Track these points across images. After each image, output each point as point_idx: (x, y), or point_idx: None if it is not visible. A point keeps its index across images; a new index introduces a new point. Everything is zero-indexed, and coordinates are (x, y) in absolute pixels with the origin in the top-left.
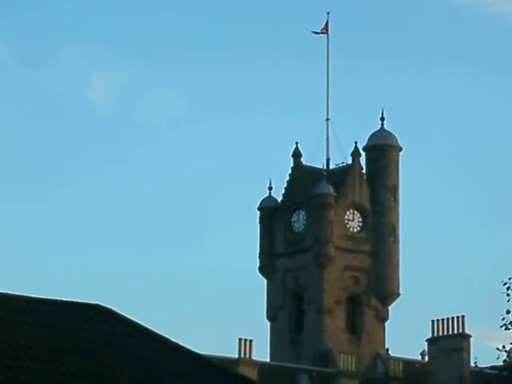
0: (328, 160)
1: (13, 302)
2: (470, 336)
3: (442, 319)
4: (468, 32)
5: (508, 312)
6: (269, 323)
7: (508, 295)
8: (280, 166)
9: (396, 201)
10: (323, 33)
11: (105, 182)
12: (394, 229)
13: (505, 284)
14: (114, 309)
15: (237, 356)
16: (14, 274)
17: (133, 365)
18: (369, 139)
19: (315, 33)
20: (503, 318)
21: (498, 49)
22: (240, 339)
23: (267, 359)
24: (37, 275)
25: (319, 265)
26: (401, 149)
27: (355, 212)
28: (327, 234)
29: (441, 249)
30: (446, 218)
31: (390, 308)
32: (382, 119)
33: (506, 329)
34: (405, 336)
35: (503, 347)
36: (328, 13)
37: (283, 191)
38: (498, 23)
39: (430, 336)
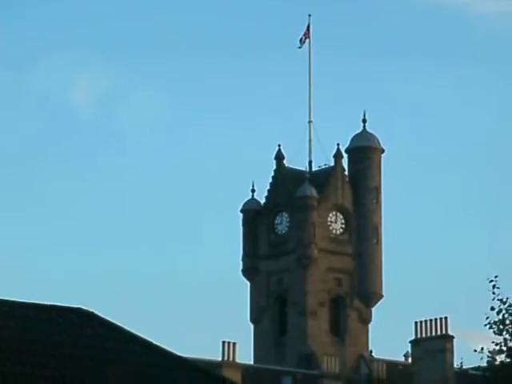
0: (310, 162)
1: None
2: (453, 337)
3: (426, 320)
4: (450, 32)
5: (492, 309)
6: (252, 326)
7: (493, 293)
8: (263, 168)
9: (378, 202)
10: (306, 38)
11: (87, 185)
12: (376, 230)
13: (490, 281)
14: (96, 312)
15: (220, 359)
16: None
17: (116, 368)
18: (351, 141)
19: (301, 40)
20: (487, 317)
21: (482, 49)
22: (223, 342)
23: (251, 362)
24: (19, 279)
25: (302, 267)
26: (383, 150)
27: (338, 214)
28: (310, 236)
29: (423, 250)
30: (429, 219)
31: (373, 310)
32: (364, 121)
33: (490, 327)
34: (388, 338)
35: (482, 349)
36: (309, 15)
37: (266, 193)
38: (481, 23)
39: (413, 337)
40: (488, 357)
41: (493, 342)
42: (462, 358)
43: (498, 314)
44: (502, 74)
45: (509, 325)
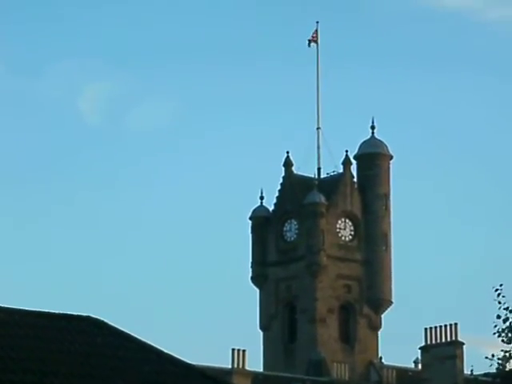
0: (319, 169)
1: (5, 315)
2: (463, 343)
3: (435, 327)
4: (458, 39)
5: (498, 317)
6: (262, 333)
7: (499, 302)
8: (271, 175)
9: (387, 209)
10: (314, 40)
11: (96, 192)
12: (385, 237)
13: (496, 290)
14: (106, 320)
15: (230, 366)
16: (5, 287)
17: (126, 377)
18: (359, 148)
19: (310, 41)
20: (495, 326)
21: (490, 56)
22: (233, 349)
23: (260, 369)
24: (28, 288)
25: (311, 274)
26: (392, 157)
27: (347, 221)
28: (319, 243)
29: (433, 256)
30: (438, 225)
31: (382, 316)
32: (373, 128)
33: (499, 336)
34: (398, 344)
35: (492, 356)
36: (317, 22)
37: (275, 200)
38: (489, 30)
39: (423, 344)
40: (498, 364)
41: (502, 350)
42: (472, 365)
43: (504, 322)
44: (510, 80)
45: None
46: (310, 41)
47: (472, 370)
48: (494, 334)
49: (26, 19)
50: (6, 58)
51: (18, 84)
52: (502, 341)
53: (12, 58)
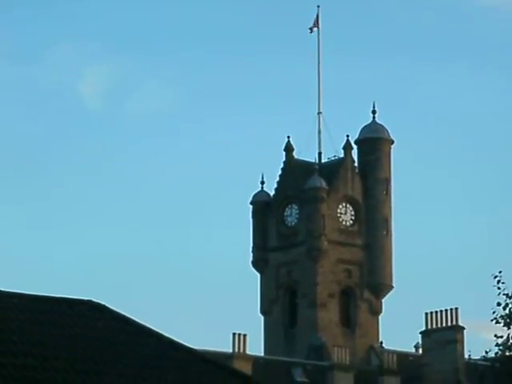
0: (320, 154)
1: (5, 299)
2: (463, 328)
3: (436, 311)
4: (460, 25)
5: (498, 304)
6: (262, 317)
7: (499, 288)
8: (272, 160)
9: (388, 194)
10: (315, 27)
11: (96, 176)
12: (386, 222)
13: (495, 277)
14: (107, 305)
15: (231, 351)
16: (5, 271)
17: (126, 360)
18: (360, 132)
19: (311, 29)
20: (494, 312)
21: (491, 42)
22: (234, 334)
23: (261, 353)
24: (29, 272)
25: (312, 258)
26: (393, 142)
27: (347, 205)
28: (320, 228)
29: (433, 241)
30: (439, 210)
31: (383, 301)
32: (374, 112)
33: (497, 322)
34: (399, 329)
35: (495, 336)
36: (318, 6)
37: (275, 185)
38: (489, 16)
39: (423, 328)
40: (499, 349)
41: (500, 337)
42: (469, 350)
43: (504, 308)
44: None
45: None
46: (311, 28)
47: (470, 355)
48: (492, 320)
49: (22, 3)
50: (3, 43)
51: (18, 69)
52: (505, 323)
53: (10, 44)
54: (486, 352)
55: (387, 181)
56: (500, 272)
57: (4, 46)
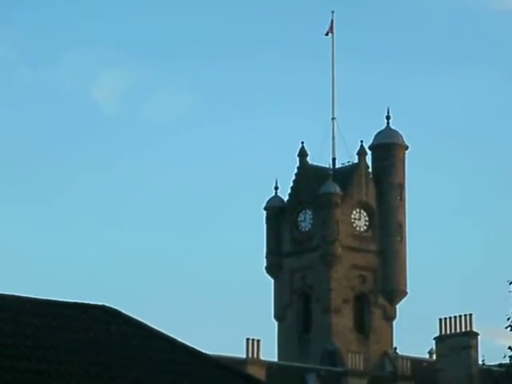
0: (334, 159)
1: (19, 304)
2: (477, 334)
3: (450, 317)
4: (475, 31)
5: None
6: (276, 323)
7: None
8: (286, 165)
9: (402, 199)
10: (330, 32)
11: (110, 181)
12: (400, 227)
13: (511, 283)
14: (120, 309)
15: (245, 356)
16: (19, 276)
17: (140, 365)
18: (374, 138)
19: (327, 33)
20: (508, 318)
21: (507, 48)
22: (248, 339)
23: (275, 359)
24: (42, 276)
25: (326, 264)
26: (407, 147)
27: (362, 211)
28: (334, 233)
29: (448, 247)
30: (453, 216)
31: (397, 307)
32: (388, 118)
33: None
34: (413, 335)
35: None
36: (333, 12)
37: (289, 191)
38: (506, 21)
39: (437, 334)
40: None
41: None
42: (483, 356)
43: None
44: None
45: None
46: (327, 33)
47: (483, 361)
48: (507, 327)
49: (40, 8)
50: (20, 47)
51: (33, 73)
52: None
53: (26, 48)
54: (504, 357)
55: (401, 186)
56: None
57: (20, 50)
